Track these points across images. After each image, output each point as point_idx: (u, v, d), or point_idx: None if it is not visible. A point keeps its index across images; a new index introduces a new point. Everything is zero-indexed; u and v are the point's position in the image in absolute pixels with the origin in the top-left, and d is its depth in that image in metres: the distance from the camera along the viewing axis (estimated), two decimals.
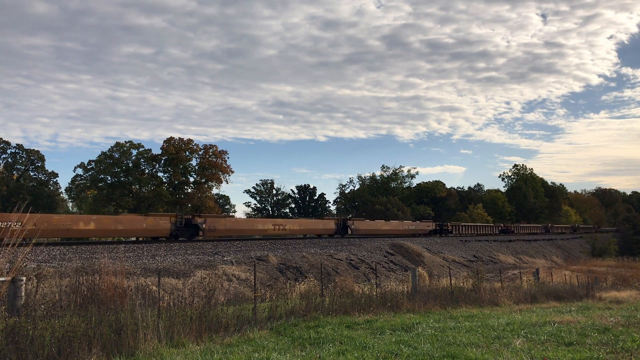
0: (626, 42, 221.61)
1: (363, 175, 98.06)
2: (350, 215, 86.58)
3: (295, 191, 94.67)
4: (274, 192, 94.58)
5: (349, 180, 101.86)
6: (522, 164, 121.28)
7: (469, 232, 64.98)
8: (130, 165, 63.64)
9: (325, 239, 39.88)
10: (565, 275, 36.78)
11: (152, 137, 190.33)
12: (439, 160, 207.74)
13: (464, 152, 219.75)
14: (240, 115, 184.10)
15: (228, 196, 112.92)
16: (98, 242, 27.59)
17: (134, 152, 64.65)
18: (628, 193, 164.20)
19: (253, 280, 13.28)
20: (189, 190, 66.46)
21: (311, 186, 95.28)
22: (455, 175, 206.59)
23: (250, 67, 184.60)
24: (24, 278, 8.55)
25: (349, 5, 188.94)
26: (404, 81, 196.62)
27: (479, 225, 70.77)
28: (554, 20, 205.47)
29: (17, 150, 63.71)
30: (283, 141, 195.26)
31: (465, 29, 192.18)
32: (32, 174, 65.08)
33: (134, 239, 31.29)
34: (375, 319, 10.90)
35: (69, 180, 76.50)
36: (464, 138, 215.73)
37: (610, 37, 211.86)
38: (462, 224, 65.68)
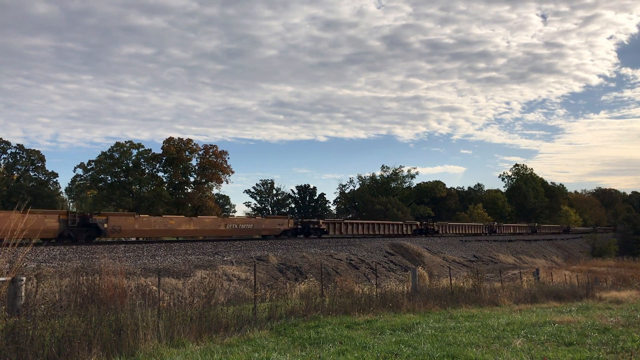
0: (626, 42, 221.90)
1: (363, 175, 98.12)
2: (350, 215, 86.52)
3: (295, 191, 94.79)
4: (274, 192, 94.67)
5: (349, 181, 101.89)
6: (522, 164, 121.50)
7: (360, 233, 47.20)
8: (130, 165, 63.66)
9: (325, 239, 39.85)
10: (565, 275, 36.79)
11: (153, 137, 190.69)
12: (439, 160, 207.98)
13: (464, 152, 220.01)
14: (240, 115, 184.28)
15: (228, 196, 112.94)
16: (98, 242, 27.51)
17: (134, 152, 64.72)
18: (628, 193, 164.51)
19: (253, 280, 13.28)
20: (189, 191, 66.46)
21: (311, 186, 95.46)
22: (455, 175, 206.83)
23: (251, 68, 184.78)
24: (24, 278, 8.55)
25: (349, 5, 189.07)
26: (404, 81, 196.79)
27: (382, 224, 51.59)
28: (554, 21, 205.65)
29: (17, 150, 63.74)
30: (283, 141, 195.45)
31: (466, 29, 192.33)
32: (32, 174, 65.07)
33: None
34: (375, 319, 10.89)
35: (69, 180, 76.60)
36: (464, 138, 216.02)
37: (610, 37, 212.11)
38: (346, 221, 49.35)
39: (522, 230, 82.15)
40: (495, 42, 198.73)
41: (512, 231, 77.73)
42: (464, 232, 65.31)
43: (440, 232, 59.37)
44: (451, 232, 62.53)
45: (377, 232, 49.32)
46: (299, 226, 42.06)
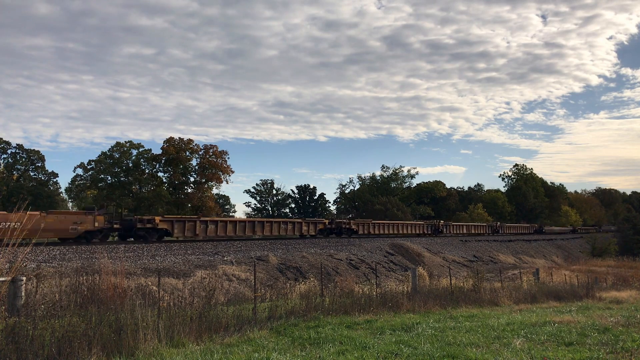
0: (626, 42, 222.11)
1: (363, 175, 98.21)
2: (350, 216, 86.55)
3: (295, 191, 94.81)
4: (274, 192, 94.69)
5: (349, 181, 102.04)
6: (522, 164, 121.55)
7: (227, 234, 33.25)
8: (130, 165, 63.68)
9: (324, 239, 39.88)
10: (565, 275, 36.81)
11: (153, 138, 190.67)
12: (439, 160, 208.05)
13: (464, 152, 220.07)
14: (241, 115, 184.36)
15: (228, 196, 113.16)
16: (98, 242, 27.52)
17: (134, 152, 64.74)
18: (628, 193, 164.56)
19: (253, 280, 13.29)
20: (189, 191, 66.47)
21: (311, 186, 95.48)
22: (455, 175, 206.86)
23: (251, 68, 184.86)
24: (24, 278, 8.55)
25: (349, 6, 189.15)
26: (405, 81, 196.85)
27: (267, 222, 37.06)
28: (554, 21, 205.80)
29: (17, 150, 63.75)
30: (283, 141, 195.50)
31: (466, 29, 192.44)
32: (32, 174, 65.08)
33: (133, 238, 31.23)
34: (375, 319, 10.89)
35: (69, 180, 76.64)
36: (464, 138, 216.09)
37: (610, 37, 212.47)
38: (203, 218, 32.83)
39: (481, 230, 68.79)
40: (495, 43, 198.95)
41: (465, 231, 64.45)
42: (396, 232, 51.41)
43: (362, 232, 45.85)
44: (377, 232, 48.29)
45: (257, 233, 35.64)
46: (117, 225, 29.43)
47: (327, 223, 43.16)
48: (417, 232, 55.54)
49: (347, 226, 44.46)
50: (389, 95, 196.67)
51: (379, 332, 9.28)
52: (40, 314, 7.74)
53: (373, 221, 49.83)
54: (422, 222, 58.98)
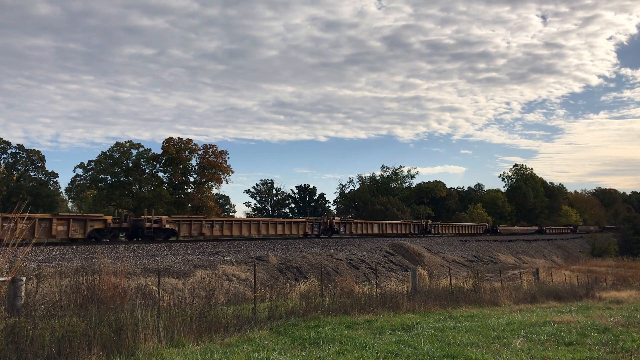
0: (625, 43, 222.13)
1: (363, 175, 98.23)
2: (350, 215, 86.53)
3: (295, 191, 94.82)
4: (274, 192, 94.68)
5: (349, 180, 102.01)
6: (522, 164, 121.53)
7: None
8: (130, 165, 63.65)
9: (325, 239, 39.85)
10: (565, 275, 36.80)
11: (154, 138, 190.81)
12: (439, 160, 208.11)
13: (464, 152, 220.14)
14: (241, 115, 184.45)
15: (228, 196, 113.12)
16: (98, 242, 27.48)
17: (134, 152, 64.71)
18: (628, 193, 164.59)
19: (253, 280, 13.29)
20: (189, 190, 66.44)
21: (311, 186, 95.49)
22: (455, 175, 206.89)
23: (252, 68, 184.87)
24: (24, 278, 8.55)
25: (350, 6, 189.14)
26: (405, 82, 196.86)
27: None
28: (553, 22, 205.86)
29: (17, 151, 63.72)
30: (284, 141, 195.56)
31: (466, 30, 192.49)
32: (32, 174, 65.05)
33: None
34: (375, 319, 10.89)
35: (69, 181, 76.63)
36: (464, 138, 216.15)
37: (610, 38, 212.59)
38: None
39: (401, 229, 53.48)
40: (495, 43, 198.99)
41: (377, 231, 49.62)
42: (243, 233, 35.73)
43: (187, 233, 31.50)
44: (216, 234, 33.34)
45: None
46: None
47: (109, 221, 27.98)
48: (296, 232, 41.92)
49: (151, 226, 29.35)
50: (389, 96, 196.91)
51: (379, 332, 9.27)
52: (40, 314, 7.74)
53: (207, 218, 34.38)
54: (305, 220, 44.40)
